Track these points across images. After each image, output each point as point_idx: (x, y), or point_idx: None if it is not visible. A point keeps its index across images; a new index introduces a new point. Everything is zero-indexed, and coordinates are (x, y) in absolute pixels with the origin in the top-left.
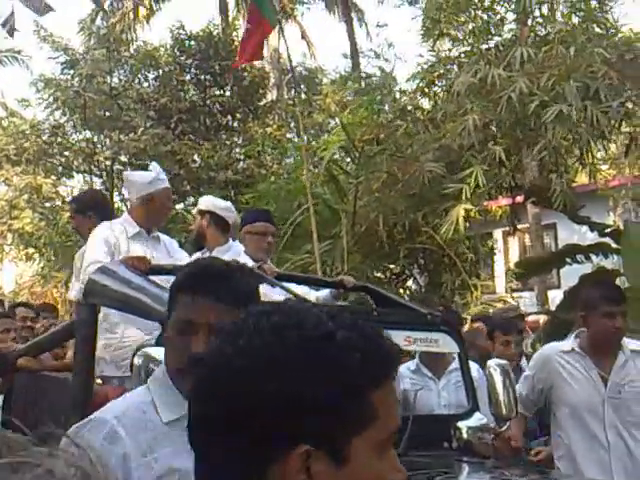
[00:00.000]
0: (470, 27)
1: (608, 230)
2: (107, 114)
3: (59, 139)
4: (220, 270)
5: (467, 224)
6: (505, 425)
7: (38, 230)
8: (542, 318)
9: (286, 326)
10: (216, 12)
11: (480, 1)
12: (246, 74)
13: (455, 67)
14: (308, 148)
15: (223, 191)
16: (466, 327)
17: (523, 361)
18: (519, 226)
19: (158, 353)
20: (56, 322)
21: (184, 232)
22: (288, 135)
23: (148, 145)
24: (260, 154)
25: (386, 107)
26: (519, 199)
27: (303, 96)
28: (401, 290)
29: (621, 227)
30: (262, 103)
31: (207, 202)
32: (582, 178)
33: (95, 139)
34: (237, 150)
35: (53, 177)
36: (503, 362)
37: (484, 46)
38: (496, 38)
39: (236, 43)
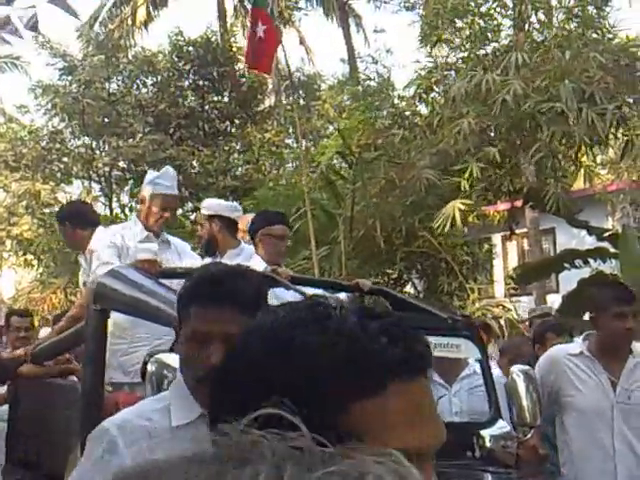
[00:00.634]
0: (467, 33)
1: (606, 235)
2: (105, 120)
3: (57, 145)
4: (227, 276)
5: (465, 229)
6: (529, 433)
7: (37, 237)
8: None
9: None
10: (214, 18)
11: (477, 7)
12: (244, 80)
13: (453, 73)
14: (306, 154)
15: (222, 197)
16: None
17: None
18: (518, 231)
19: (172, 360)
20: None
21: (182, 238)
22: (286, 140)
23: (146, 151)
24: (259, 160)
25: (384, 112)
26: (517, 204)
27: (301, 102)
28: None
29: (619, 232)
30: (260, 109)
31: (213, 206)
32: (580, 183)
33: (93, 145)
34: (235, 156)
35: (52, 183)
36: (526, 368)
37: (481, 52)
38: (493, 44)
39: (234, 49)
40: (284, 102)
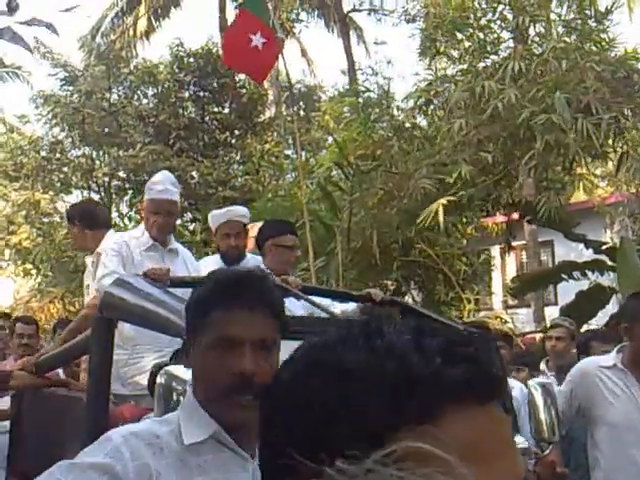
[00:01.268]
0: (467, 46)
1: (604, 247)
2: (106, 130)
3: (57, 155)
4: (253, 279)
5: (464, 241)
6: (547, 449)
7: (35, 246)
8: (538, 335)
9: None
10: (215, 30)
11: (477, 20)
12: (244, 91)
13: (452, 85)
14: (305, 165)
15: (221, 208)
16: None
17: None
18: (516, 243)
19: (182, 372)
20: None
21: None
22: (286, 152)
23: (146, 161)
24: (258, 171)
25: (383, 124)
26: (515, 216)
27: (301, 113)
28: None
29: (617, 244)
30: (260, 120)
31: (221, 217)
32: (580, 195)
33: (93, 155)
34: (235, 167)
35: (51, 193)
36: (545, 381)
37: (481, 64)
38: (493, 56)
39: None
40: (284, 113)
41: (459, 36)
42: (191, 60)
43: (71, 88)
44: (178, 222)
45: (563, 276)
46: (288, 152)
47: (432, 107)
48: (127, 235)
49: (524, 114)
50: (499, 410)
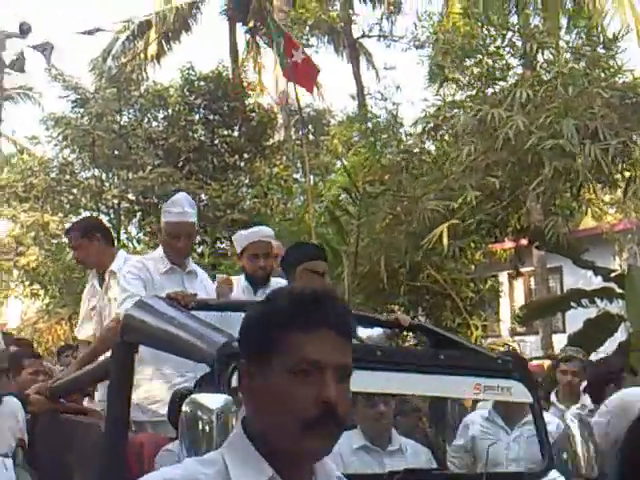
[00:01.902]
0: (475, 72)
1: (613, 275)
2: (116, 153)
3: (67, 176)
4: (330, 298)
5: (472, 267)
6: None
7: (44, 267)
8: (546, 363)
9: None
10: (226, 54)
11: (485, 47)
12: (254, 115)
13: (461, 111)
14: (313, 189)
15: (229, 230)
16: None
17: None
18: (525, 269)
19: (208, 400)
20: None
21: None
22: (295, 175)
23: (155, 184)
24: (267, 194)
25: (391, 149)
26: (523, 242)
27: (311, 137)
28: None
29: (625, 272)
30: (269, 143)
31: (248, 238)
32: (588, 221)
33: (103, 177)
34: (244, 190)
35: (60, 214)
36: (582, 412)
37: (489, 90)
38: (501, 83)
39: (245, 84)
40: (293, 137)
41: (468, 62)
42: (201, 83)
43: (82, 110)
44: None
45: (572, 304)
46: (296, 176)
47: (440, 132)
48: (145, 258)
49: (532, 140)
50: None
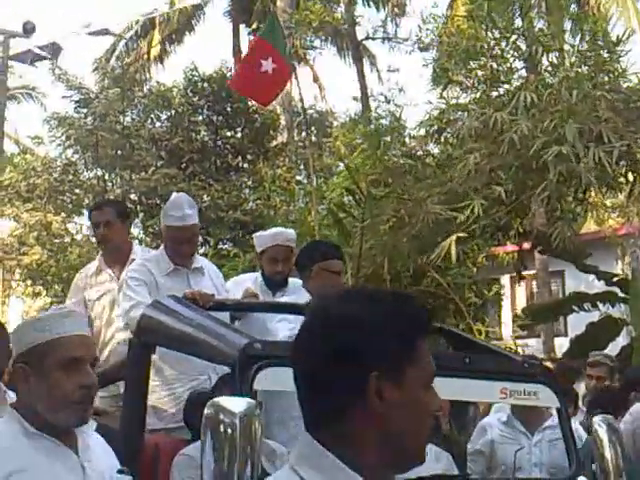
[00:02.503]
0: (480, 74)
1: (615, 279)
2: (119, 153)
3: (70, 176)
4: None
5: (475, 269)
6: None
7: (47, 266)
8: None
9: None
10: (229, 55)
11: (489, 50)
12: (257, 116)
13: (465, 114)
14: (316, 191)
15: (232, 231)
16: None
17: None
18: (527, 272)
19: (231, 404)
20: None
21: None
22: (297, 177)
23: (158, 184)
24: (269, 196)
25: (395, 151)
26: (526, 246)
27: (314, 139)
28: None
29: (629, 276)
30: (272, 145)
31: (268, 240)
32: (590, 225)
33: (106, 177)
34: (247, 191)
35: (63, 214)
36: (609, 417)
37: (494, 93)
38: (505, 86)
39: None
40: (296, 139)
41: (472, 65)
42: (205, 85)
43: (85, 110)
44: None
45: (574, 307)
46: (299, 177)
47: (445, 135)
48: (147, 259)
49: (536, 144)
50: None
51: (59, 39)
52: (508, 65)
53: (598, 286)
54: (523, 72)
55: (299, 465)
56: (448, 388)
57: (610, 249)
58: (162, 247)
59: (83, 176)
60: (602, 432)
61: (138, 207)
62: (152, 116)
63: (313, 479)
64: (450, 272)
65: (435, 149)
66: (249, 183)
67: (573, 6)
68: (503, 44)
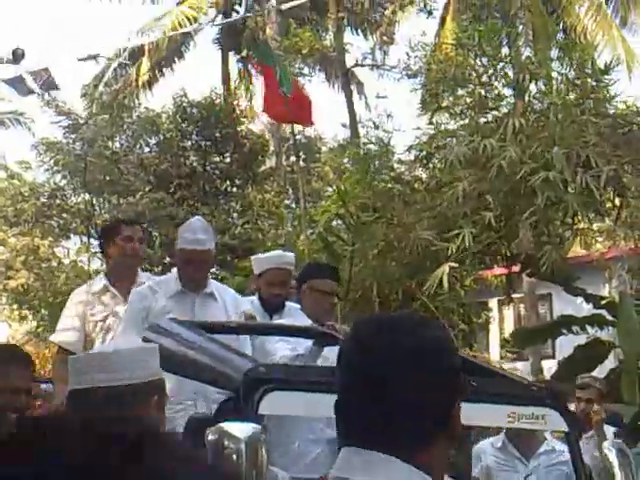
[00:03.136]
0: (468, 101)
1: (603, 302)
2: (107, 178)
3: (58, 201)
4: None
5: (462, 292)
6: None
7: (33, 291)
8: None
9: None
10: (218, 81)
11: (477, 77)
12: (246, 141)
13: (454, 140)
14: (305, 216)
15: (220, 255)
16: None
17: None
18: (514, 295)
19: (236, 429)
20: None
21: None
22: (286, 202)
23: (146, 209)
24: (258, 221)
25: (383, 176)
26: (515, 269)
27: (302, 164)
28: None
29: (616, 299)
30: (261, 170)
31: (267, 263)
32: (577, 248)
33: (94, 202)
34: (235, 215)
35: (50, 238)
36: (619, 441)
37: (482, 120)
38: (494, 112)
39: (237, 111)
40: (284, 164)
41: (460, 92)
42: (194, 110)
43: (74, 136)
44: None
45: (562, 330)
46: (287, 202)
47: (433, 161)
48: (157, 281)
49: (524, 170)
50: None
51: (49, 64)
52: (496, 92)
53: (586, 309)
54: (511, 99)
55: None
56: None
57: (597, 272)
58: (176, 269)
59: (71, 201)
60: (612, 456)
61: None
62: (141, 141)
63: None
64: (439, 297)
65: (424, 174)
66: (237, 207)
67: (559, 35)
68: (491, 71)
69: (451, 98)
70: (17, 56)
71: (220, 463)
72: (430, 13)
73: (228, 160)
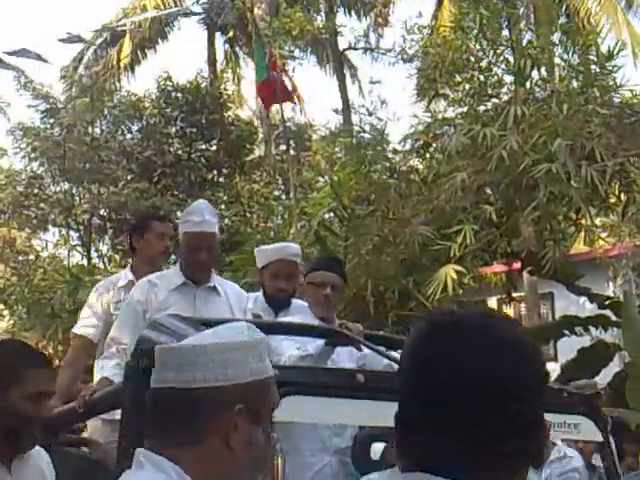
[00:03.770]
0: (467, 88)
1: (608, 302)
2: (87, 166)
3: (35, 190)
4: None
5: (461, 291)
6: None
7: (10, 286)
8: None
9: None
10: (204, 64)
11: (477, 62)
12: (233, 128)
13: (452, 129)
14: (296, 207)
15: None
16: None
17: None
18: (515, 294)
19: None
20: None
21: None
22: (275, 192)
23: (129, 199)
24: (246, 212)
25: (378, 166)
26: (515, 266)
27: (292, 152)
28: None
29: (621, 299)
30: (249, 159)
31: (271, 255)
32: (581, 245)
33: (73, 191)
34: (222, 207)
35: (28, 230)
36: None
37: (481, 107)
38: (493, 100)
39: (224, 96)
40: (274, 152)
41: (459, 78)
42: (178, 95)
43: (52, 121)
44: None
45: (564, 331)
46: (277, 193)
47: (431, 150)
48: (159, 275)
49: (525, 162)
50: None
51: (27, 45)
52: (496, 78)
53: (589, 309)
54: (512, 86)
55: None
56: None
57: (601, 271)
58: (177, 263)
59: (49, 190)
60: None
61: (107, 223)
62: (122, 127)
63: None
64: (437, 298)
65: (420, 165)
66: (225, 198)
67: (563, 18)
68: (491, 56)
69: (449, 84)
70: None
71: None
72: None
73: (214, 148)
